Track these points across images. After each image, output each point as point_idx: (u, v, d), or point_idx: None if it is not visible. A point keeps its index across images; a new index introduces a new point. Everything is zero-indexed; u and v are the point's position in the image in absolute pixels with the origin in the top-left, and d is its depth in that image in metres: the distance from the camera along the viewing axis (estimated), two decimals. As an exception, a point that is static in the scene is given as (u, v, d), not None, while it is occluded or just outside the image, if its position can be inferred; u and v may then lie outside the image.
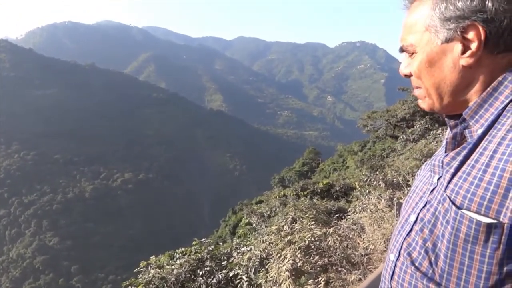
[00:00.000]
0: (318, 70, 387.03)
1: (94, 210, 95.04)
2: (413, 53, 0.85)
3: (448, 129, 0.92)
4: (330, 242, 3.62)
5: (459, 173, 0.78)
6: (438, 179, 0.84)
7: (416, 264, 0.81)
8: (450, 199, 0.76)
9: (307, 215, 4.73)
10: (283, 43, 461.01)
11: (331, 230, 3.90)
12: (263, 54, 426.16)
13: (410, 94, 25.11)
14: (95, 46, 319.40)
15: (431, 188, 0.85)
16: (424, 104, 0.88)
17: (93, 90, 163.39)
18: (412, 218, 0.85)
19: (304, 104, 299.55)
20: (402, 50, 0.87)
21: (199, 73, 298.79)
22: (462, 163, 0.79)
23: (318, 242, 3.66)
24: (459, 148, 0.82)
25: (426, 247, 0.80)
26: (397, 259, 0.86)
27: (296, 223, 4.57)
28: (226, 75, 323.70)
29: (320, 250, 3.57)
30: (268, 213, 8.48)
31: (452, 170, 0.80)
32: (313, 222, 4.35)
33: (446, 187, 0.79)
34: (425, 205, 0.84)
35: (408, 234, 0.84)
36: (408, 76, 0.88)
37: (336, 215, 5.24)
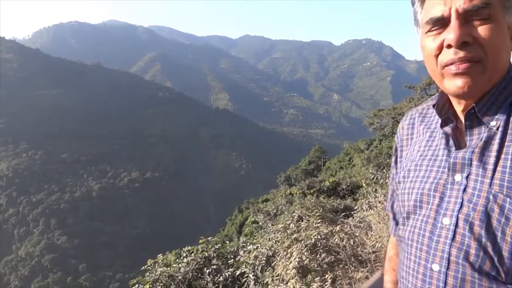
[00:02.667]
0: (323, 68, 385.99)
1: (101, 209, 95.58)
2: (486, 18, 0.76)
3: (437, 125, 0.91)
4: (336, 240, 3.61)
5: (500, 168, 0.76)
6: (467, 177, 0.79)
7: (477, 268, 0.75)
8: (503, 195, 0.74)
9: (313, 213, 4.72)
10: (288, 41, 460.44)
11: (338, 228, 3.89)
12: (269, 52, 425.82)
13: (416, 91, 24.96)
14: (100, 45, 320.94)
15: (460, 187, 0.79)
16: (479, 80, 0.78)
17: (99, 90, 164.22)
18: (447, 221, 0.79)
19: (309, 103, 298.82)
20: (478, 7, 0.75)
21: (205, 72, 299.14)
22: (497, 158, 0.77)
23: (324, 240, 3.66)
24: (481, 143, 0.80)
25: (483, 248, 0.74)
26: (448, 268, 0.78)
27: (302, 221, 4.56)
28: (231, 74, 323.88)
29: (326, 248, 3.57)
30: (275, 211, 8.47)
31: (491, 167, 0.77)
32: (320, 220, 4.35)
33: (491, 184, 0.76)
34: (461, 206, 0.78)
35: (453, 239, 0.78)
36: (465, 43, 0.76)
37: (343, 213, 5.23)
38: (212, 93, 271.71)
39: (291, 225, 4.47)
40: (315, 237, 3.65)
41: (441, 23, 0.77)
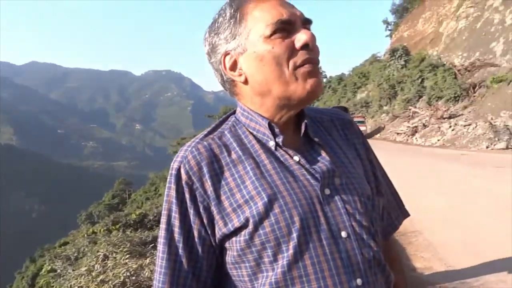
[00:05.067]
0: (124, 98, 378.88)
1: None
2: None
3: (257, 147, 0.83)
4: (147, 274, 3.46)
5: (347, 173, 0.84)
6: (336, 187, 0.81)
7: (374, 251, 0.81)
8: (372, 194, 0.86)
9: (121, 249, 4.45)
10: (84, 69, 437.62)
11: (148, 261, 3.75)
12: (62, 81, 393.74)
13: (215, 120, 26.80)
14: None
15: (332, 199, 0.79)
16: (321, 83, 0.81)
17: None
18: (345, 234, 0.77)
19: (111, 134, 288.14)
20: (309, 22, 0.82)
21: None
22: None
23: (134, 277, 3.45)
24: (326, 155, 0.83)
25: (373, 238, 0.82)
26: (367, 276, 0.77)
27: (108, 260, 4.24)
28: (17, 104, 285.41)
29: (137, 284, 3.37)
30: (76, 254, 7.62)
31: (343, 173, 0.82)
32: (128, 256, 4.11)
33: (357, 188, 0.82)
34: (348, 216, 0.78)
35: (358, 248, 0.78)
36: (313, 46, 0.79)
37: (152, 245, 5.08)
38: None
39: (96, 266, 4.10)
40: (124, 274, 3.42)
41: (284, 27, 0.77)
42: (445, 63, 27.32)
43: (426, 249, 4.69)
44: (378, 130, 27.53)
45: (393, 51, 36.77)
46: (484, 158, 12.97)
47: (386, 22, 54.55)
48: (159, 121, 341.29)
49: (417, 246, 4.86)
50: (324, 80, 67.26)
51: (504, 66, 21.45)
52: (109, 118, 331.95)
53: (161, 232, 0.83)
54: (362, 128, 24.63)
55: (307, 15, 0.82)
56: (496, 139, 15.70)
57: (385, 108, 33.72)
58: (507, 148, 14.77)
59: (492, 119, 17.91)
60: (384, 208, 0.95)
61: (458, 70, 24.75)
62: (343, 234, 0.77)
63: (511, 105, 17.91)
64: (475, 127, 18.23)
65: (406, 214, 1.04)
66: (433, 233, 5.25)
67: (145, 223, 10.69)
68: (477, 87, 22.23)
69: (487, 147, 15.58)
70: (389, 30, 53.91)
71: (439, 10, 38.36)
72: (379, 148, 16.87)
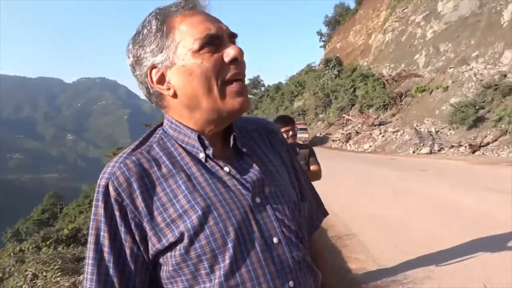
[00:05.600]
0: (55, 107, 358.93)
1: None
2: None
3: (187, 160, 0.83)
4: (81, 291, 3.30)
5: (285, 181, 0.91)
6: (266, 195, 0.84)
7: (302, 253, 0.85)
8: (298, 200, 0.91)
9: (51, 267, 4.19)
10: (9, 76, 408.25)
11: (81, 277, 3.57)
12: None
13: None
14: None
15: (263, 207, 0.82)
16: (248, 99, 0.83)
17: None
18: (276, 240, 0.81)
19: (40, 144, 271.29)
20: (235, 36, 0.83)
21: None
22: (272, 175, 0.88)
23: (67, 295, 3.29)
24: (255, 164, 0.86)
25: (301, 241, 0.87)
26: (297, 277, 0.82)
27: (38, 279, 3.98)
28: None
29: (70, 303, 3.21)
30: (0, 275, 7.07)
31: (271, 182, 0.86)
32: (60, 274, 3.89)
33: (284, 195, 0.86)
34: (278, 222, 0.82)
35: (289, 252, 0.82)
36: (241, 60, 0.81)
37: (86, 261, 4.85)
38: None
39: (23, 286, 3.85)
40: (55, 294, 3.24)
41: (212, 41, 0.78)
42: (374, 73, 28.87)
43: (360, 251, 4.91)
44: (325, 139, 28.25)
45: (327, 62, 38.26)
46: (411, 162, 13.86)
47: (320, 33, 56.66)
48: (92, 131, 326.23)
49: (352, 248, 5.08)
50: (262, 88, 68.25)
51: (426, 77, 23.10)
52: (38, 128, 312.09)
53: (89, 253, 0.79)
54: (305, 135, 25.01)
55: (233, 29, 0.83)
56: (421, 144, 16.86)
57: (321, 116, 34.90)
58: (430, 152, 15.90)
59: (417, 126, 19.21)
60: (307, 210, 1.00)
61: (386, 80, 26.28)
62: (275, 240, 0.80)
63: (433, 112, 19.35)
64: (403, 133, 19.43)
65: (325, 214, 1.11)
66: (366, 235, 5.51)
67: (78, 238, 10.13)
68: (403, 96, 23.75)
69: (413, 152, 16.67)
70: (323, 41, 56.05)
71: (368, 23, 40.59)
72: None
